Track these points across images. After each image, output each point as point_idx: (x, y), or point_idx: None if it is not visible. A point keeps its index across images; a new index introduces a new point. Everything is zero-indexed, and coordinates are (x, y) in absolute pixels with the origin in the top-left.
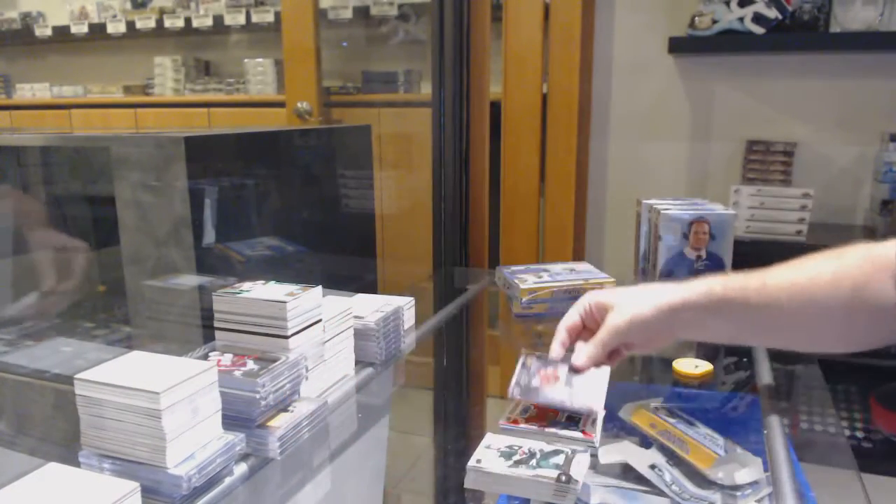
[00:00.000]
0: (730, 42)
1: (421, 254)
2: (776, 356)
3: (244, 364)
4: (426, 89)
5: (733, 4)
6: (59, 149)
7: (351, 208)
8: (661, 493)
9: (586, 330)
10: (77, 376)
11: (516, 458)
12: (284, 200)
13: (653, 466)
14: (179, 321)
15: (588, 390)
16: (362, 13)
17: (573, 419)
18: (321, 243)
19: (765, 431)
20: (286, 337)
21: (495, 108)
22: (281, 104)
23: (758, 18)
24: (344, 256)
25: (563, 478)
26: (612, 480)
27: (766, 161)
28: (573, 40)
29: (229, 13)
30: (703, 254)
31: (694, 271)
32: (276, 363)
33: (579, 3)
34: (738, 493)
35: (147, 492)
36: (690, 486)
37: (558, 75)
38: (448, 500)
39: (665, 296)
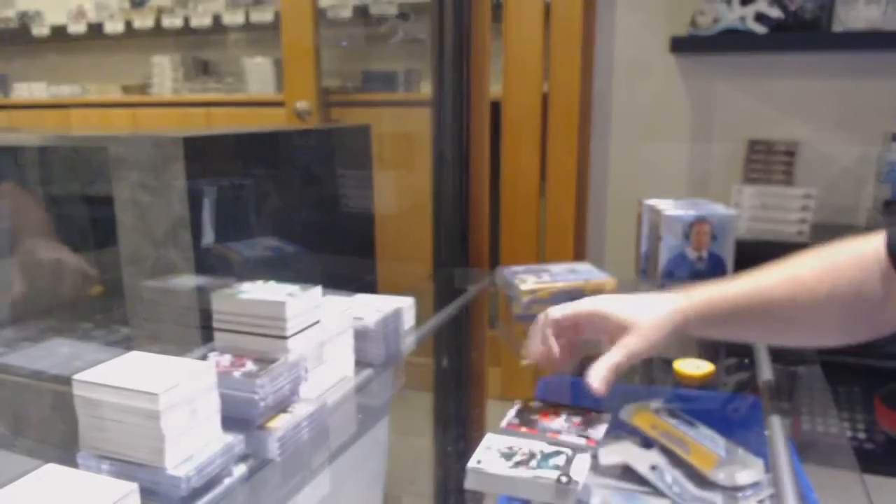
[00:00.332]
0: (731, 41)
1: (421, 254)
2: (777, 356)
3: (243, 365)
4: (426, 89)
5: (735, 3)
6: (56, 149)
7: (350, 208)
8: (661, 495)
9: (574, 331)
10: (75, 377)
11: (517, 458)
12: (283, 200)
13: (653, 467)
14: (178, 322)
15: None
16: (362, 12)
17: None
18: (320, 243)
19: (766, 432)
20: (285, 338)
21: (495, 108)
22: (280, 104)
23: (760, 17)
24: (343, 256)
25: (564, 479)
26: (612, 481)
27: (768, 161)
28: (574, 40)
29: (228, 12)
30: (705, 254)
31: (695, 272)
32: (276, 364)
33: (580, 3)
34: (740, 495)
35: (146, 493)
36: (691, 488)
37: (558, 75)
38: (448, 502)
39: (675, 314)
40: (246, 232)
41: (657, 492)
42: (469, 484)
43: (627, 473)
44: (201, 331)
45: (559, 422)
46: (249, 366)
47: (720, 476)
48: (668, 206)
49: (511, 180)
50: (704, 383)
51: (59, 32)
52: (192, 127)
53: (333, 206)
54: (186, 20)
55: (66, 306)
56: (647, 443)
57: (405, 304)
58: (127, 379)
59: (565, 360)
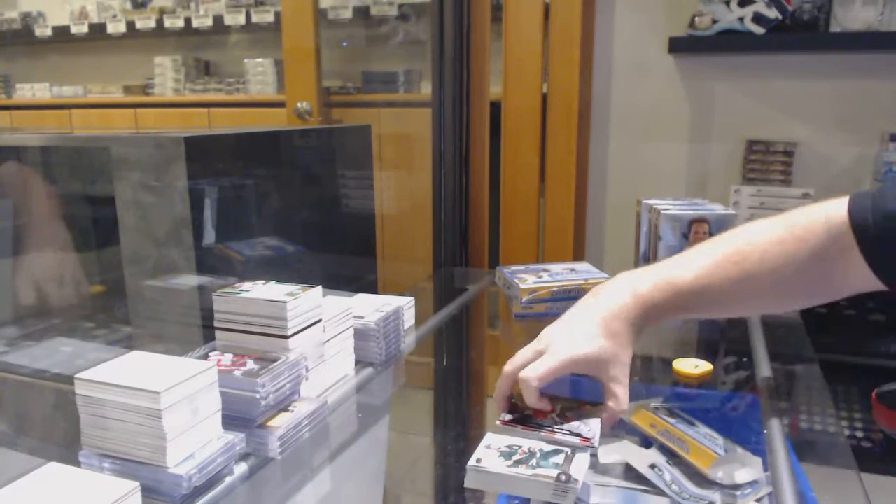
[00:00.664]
0: (730, 42)
1: (421, 254)
2: (776, 356)
3: (244, 364)
4: (426, 89)
5: (733, 4)
6: (59, 149)
7: (351, 208)
8: (660, 493)
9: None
10: (77, 376)
11: (516, 457)
12: (284, 200)
13: (653, 466)
14: (179, 321)
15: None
16: (362, 13)
17: (572, 415)
18: (321, 243)
19: (765, 431)
20: (286, 337)
21: (495, 108)
22: (281, 104)
23: (758, 18)
24: (344, 256)
25: (563, 477)
26: (611, 480)
27: (767, 161)
28: (573, 40)
29: (229, 13)
30: None
31: None
32: (277, 363)
33: (579, 4)
34: (738, 493)
35: (147, 491)
36: (690, 486)
37: (558, 75)
38: (448, 500)
39: (631, 330)
40: (247, 232)
41: (656, 490)
42: (469, 482)
43: (627, 472)
44: (202, 330)
45: (552, 418)
46: (250, 365)
47: (719, 474)
48: (667, 206)
49: (511, 180)
50: (703, 382)
51: (61, 33)
52: (194, 127)
53: (334, 206)
54: (188, 21)
55: (67, 308)
56: (646, 442)
57: (405, 304)
58: (129, 378)
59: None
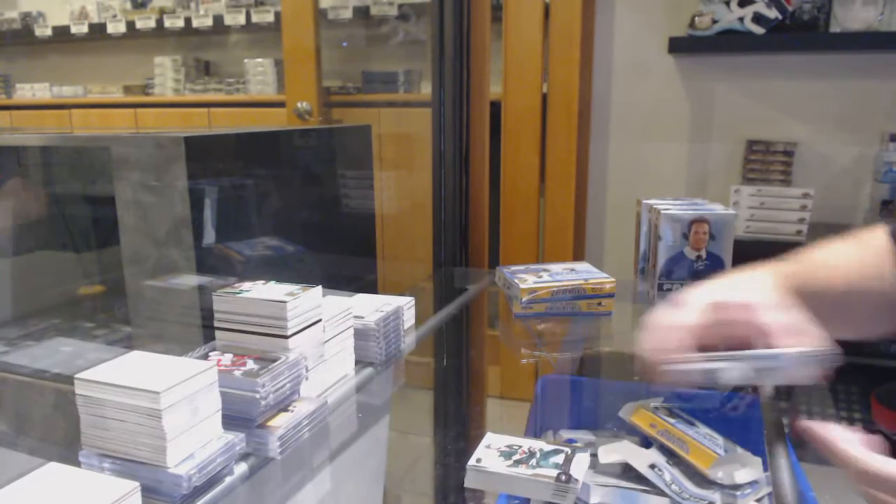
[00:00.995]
0: (730, 42)
1: (421, 254)
2: None
3: (244, 364)
4: (426, 89)
5: (733, 4)
6: (59, 149)
7: (351, 208)
8: (660, 493)
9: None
10: (77, 376)
11: (516, 457)
12: (284, 200)
13: (652, 466)
14: (179, 321)
15: None
16: (362, 13)
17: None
18: (321, 243)
19: (764, 431)
20: (286, 337)
21: (495, 108)
22: (281, 104)
23: (758, 18)
24: (344, 256)
25: (563, 477)
26: (611, 480)
27: (766, 161)
28: (573, 40)
29: (229, 13)
30: (703, 254)
31: (694, 272)
32: (276, 363)
33: (579, 3)
34: (738, 493)
35: (147, 491)
36: (690, 486)
37: (558, 75)
38: (448, 500)
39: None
40: (247, 232)
41: (656, 490)
42: (469, 482)
43: (626, 472)
44: (202, 330)
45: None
46: (250, 365)
47: (719, 474)
48: (667, 206)
49: (511, 180)
50: None
51: (61, 33)
52: (194, 127)
53: (334, 206)
54: (188, 21)
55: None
56: (646, 442)
57: (405, 304)
58: (129, 378)
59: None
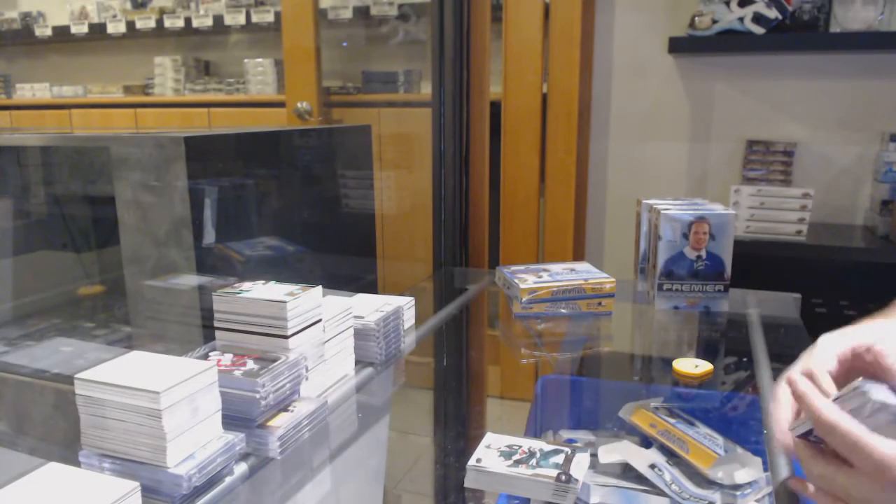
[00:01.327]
0: (730, 42)
1: (421, 254)
2: (775, 356)
3: (244, 364)
4: (426, 89)
5: (733, 4)
6: (59, 149)
7: (351, 208)
8: (660, 493)
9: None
10: (77, 376)
11: (516, 457)
12: (284, 200)
13: (653, 466)
14: (179, 321)
15: None
16: (362, 13)
17: None
18: (321, 243)
19: (764, 431)
20: (286, 337)
21: (495, 108)
22: (281, 104)
23: (758, 18)
24: (344, 256)
25: (563, 477)
26: (611, 480)
27: (766, 161)
28: (573, 40)
29: (229, 13)
30: (703, 254)
31: (694, 271)
32: (276, 363)
33: (579, 3)
34: (738, 493)
35: (147, 491)
36: (690, 486)
37: (558, 75)
38: (448, 500)
39: None
40: (247, 232)
41: (656, 490)
42: (469, 482)
43: (626, 472)
44: (202, 330)
45: None
46: (250, 365)
47: (719, 474)
48: (667, 206)
49: (511, 180)
50: (703, 382)
51: (61, 33)
52: (194, 127)
53: (334, 206)
54: (188, 21)
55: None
56: (646, 442)
57: (405, 304)
58: (129, 378)
59: None
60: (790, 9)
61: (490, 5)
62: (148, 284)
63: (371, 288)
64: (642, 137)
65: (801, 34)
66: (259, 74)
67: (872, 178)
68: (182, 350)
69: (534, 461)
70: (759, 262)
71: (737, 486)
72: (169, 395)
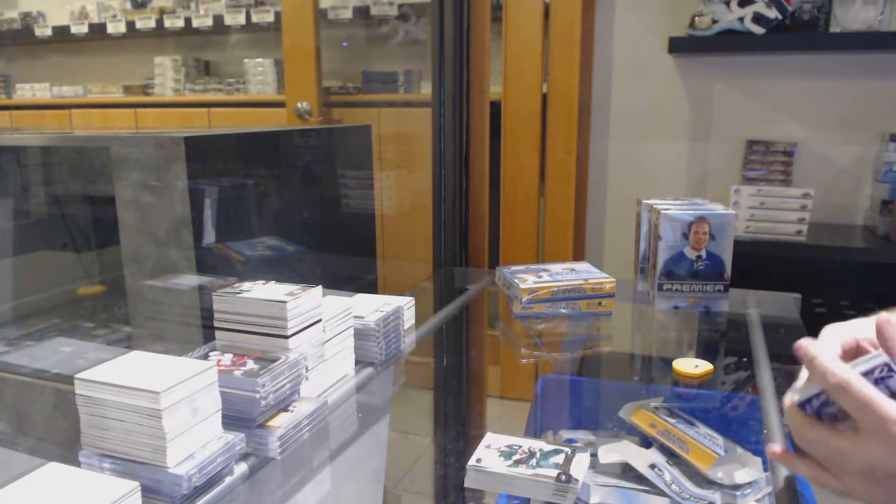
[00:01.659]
0: (730, 42)
1: (421, 254)
2: (775, 356)
3: (244, 364)
4: (426, 89)
5: (733, 4)
6: (59, 149)
7: (351, 208)
8: (660, 493)
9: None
10: (77, 376)
11: (516, 457)
12: (284, 200)
13: (653, 466)
14: (179, 321)
15: None
16: (362, 13)
17: None
18: (321, 243)
19: (764, 431)
20: (286, 337)
21: (495, 108)
22: (281, 104)
23: (758, 18)
24: (344, 256)
25: (563, 477)
26: (611, 480)
27: (766, 161)
28: (573, 40)
29: (229, 13)
30: (703, 254)
31: (694, 271)
32: (277, 363)
33: (579, 3)
34: (738, 493)
35: (147, 491)
36: (690, 486)
37: (558, 75)
38: (448, 500)
39: None
40: (247, 232)
41: (656, 490)
42: (469, 482)
43: (627, 472)
44: (202, 330)
45: None
46: (250, 365)
47: (719, 474)
48: (667, 206)
49: (510, 180)
50: (703, 382)
51: (61, 33)
52: (194, 127)
53: (334, 206)
54: (188, 21)
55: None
56: (646, 442)
57: (405, 304)
58: (129, 378)
59: None
60: (790, 9)
61: (490, 5)
62: (148, 284)
63: (371, 288)
64: (642, 137)
65: (801, 34)
66: (259, 74)
67: (872, 178)
68: (182, 350)
69: (534, 461)
70: (759, 262)
71: (737, 486)
72: (169, 395)
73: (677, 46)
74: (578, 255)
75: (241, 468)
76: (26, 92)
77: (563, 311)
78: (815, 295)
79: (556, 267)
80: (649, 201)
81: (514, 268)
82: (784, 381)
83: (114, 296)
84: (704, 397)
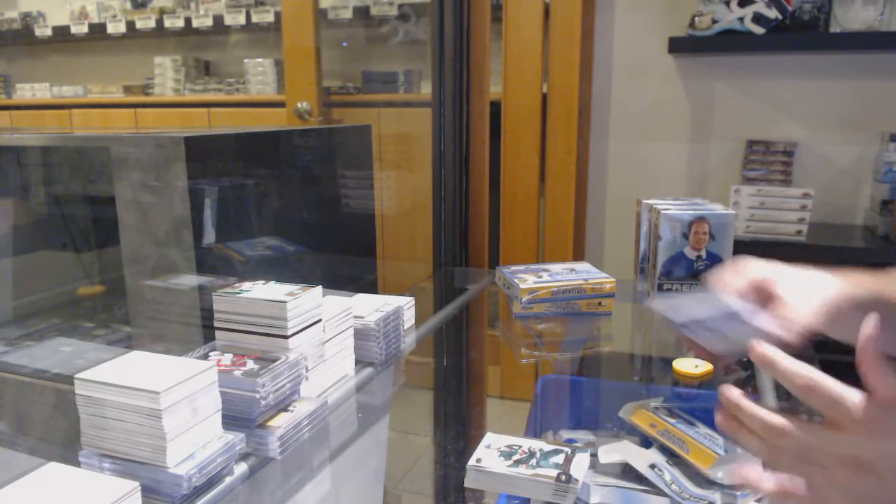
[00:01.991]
0: (730, 42)
1: (421, 254)
2: None
3: (244, 364)
4: (426, 89)
5: (733, 4)
6: (59, 149)
7: (351, 208)
8: (660, 493)
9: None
10: (77, 376)
11: (516, 457)
12: (284, 200)
13: (653, 466)
14: (179, 321)
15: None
16: (362, 13)
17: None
18: (321, 243)
19: None
20: (286, 337)
21: (495, 108)
22: (281, 104)
23: (758, 18)
24: (344, 256)
25: (563, 477)
26: (611, 480)
27: (766, 161)
28: (573, 40)
29: (229, 13)
30: (703, 254)
31: (694, 271)
32: (277, 363)
33: (579, 3)
34: (738, 493)
35: (147, 491)
36: (690, 486)
37: (558, 75)
38: (448, 500)
39: (832, 293)
40: (247, 232)
41: (656, 490)
42: (469, 482)
43: (627, 472)
44: (203, 330)
45: None
46: (250, 365)
47: (719, 474)
48: (667, 206)
49: (510, 180)
50: (703, 382)
51: (61, 33)
52: (194, 127)
53: (334, 206)
54: (188, 21)
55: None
56: (646, 442)
57: (405, 304)
58: (129, 378)
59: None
60: (790, 9)
61: (490, 5)
62: (148, 284)
63: (371, 288)
64: (642, 137)
65: (801, 34)
66: (259, 74)
67: (872, 178)
68: (182, 350)
69: (534, 461)
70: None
71: (737, 486)
72: (169, 395)
73: (677, 46)
74: (578, 255)
75: (241, 468)
76: (26, 92)
77: (563, 311)
78: None
79: (556, 267)
80: (649, 201)
81: (514, 268)
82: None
83: (114, 296)
84: (704, 397)
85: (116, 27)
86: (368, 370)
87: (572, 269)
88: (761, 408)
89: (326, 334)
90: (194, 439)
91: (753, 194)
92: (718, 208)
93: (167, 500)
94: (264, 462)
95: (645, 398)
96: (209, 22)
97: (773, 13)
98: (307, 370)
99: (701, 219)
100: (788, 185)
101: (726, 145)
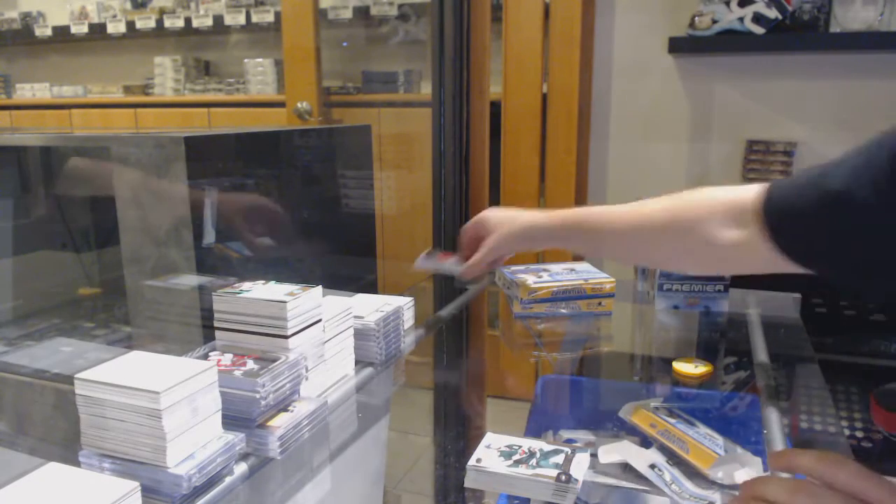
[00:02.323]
0: (730, 42)
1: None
2: (776, 356)
3: (244, 364)
4: (426, 89)
5: (733, 4)
6: (59, 149)
7: (351, 208)
8: (660, 493)
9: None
10: (77, 376)
11: (516, 457)
12: (284, 200)
13: (653, 466)
14: (179, 321)
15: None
16: (362, 13)
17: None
18: (321, 243)
19: (764, 431)
20: (286, 337)
21: (495, 108)
22: (281, 104)
23: (758, 18)
24: (344, 256)
25: (563, 477)
26: (611, 480)
27: (766, 161)
28: (573, 40)
29: (229, 13)
30: None
31: None
32: (276, 363)
33: (579, 3)
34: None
35: (147, 491)
36: (690, 486)
37: (558, 75)
38: (448, 500)
39: (528, 220)
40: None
41: (656, 490)
42: (469, 482)
43: (626, 472)
44: (202, 330)
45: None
46: (250, 364)
47: (719, 474)
48: None
49: (511, 180)
50: (703, 382)
51: (61, 33)
52: (194, 127)
53: (334, 205)
54: (188, 21)
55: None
56: (646, 442)
57: (405, 304)
58: (129, 377)
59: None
60: (790, 9)
61: (490, 5)
62: (148, 284)
63: (371, 288)
64: (642, 137)
65: (800, 34)
66: (259, 74)
67: None
68: (182, 350)
69: (534, 461)
70: None
71: (737, 486)
72: (169, 395)
73: (677, 46)
74: (578, 256)
75: (241, 468)
76: (26, 92)
77: (563, 311)
78: (815, 295)
79: (556, 267)
80: None
81: (514, 268)
82: (784, 380)
83: (114, 296)
84: (704, 397)
85: (116, 27)
86: (368, 370)
87: (572, 269)
88: None
89: (326, 334)
90: (194, 439)
91: None
92: None
93: (167, 500)
94: (264, 462)
95: (645, 398)
96: (209, 22)
97: (773, 13)
98: (307, 370)
99: None
100: None
101: (726, 145)
